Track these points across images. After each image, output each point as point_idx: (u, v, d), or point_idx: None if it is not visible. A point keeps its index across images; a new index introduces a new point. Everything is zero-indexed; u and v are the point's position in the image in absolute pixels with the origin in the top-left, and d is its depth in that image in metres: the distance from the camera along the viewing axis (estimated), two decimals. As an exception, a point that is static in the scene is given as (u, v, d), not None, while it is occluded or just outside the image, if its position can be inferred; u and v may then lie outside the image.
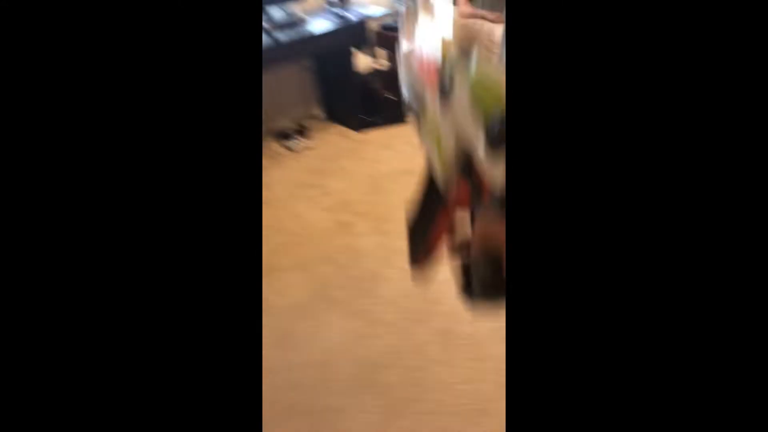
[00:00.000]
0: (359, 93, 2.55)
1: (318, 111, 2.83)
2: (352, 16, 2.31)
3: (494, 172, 0.44)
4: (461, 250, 0.61)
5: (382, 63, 2.64)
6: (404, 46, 0.56)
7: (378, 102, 2.77)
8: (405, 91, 0.57)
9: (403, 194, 2.10)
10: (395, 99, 2.82)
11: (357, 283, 1.61)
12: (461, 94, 0.46)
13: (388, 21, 2.66)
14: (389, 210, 1.96)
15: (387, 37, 2.69)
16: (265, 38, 2.12)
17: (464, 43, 0.46)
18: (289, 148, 2.50)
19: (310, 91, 2.76)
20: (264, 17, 2.23)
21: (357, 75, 2.49)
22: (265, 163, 2.41)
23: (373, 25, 2.72)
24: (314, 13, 2.40)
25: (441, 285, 1.54)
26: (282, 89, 2.61)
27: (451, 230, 0.62)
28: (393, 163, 2.33)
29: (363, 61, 2.53)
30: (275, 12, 2.30)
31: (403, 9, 0.60)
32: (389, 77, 2.74)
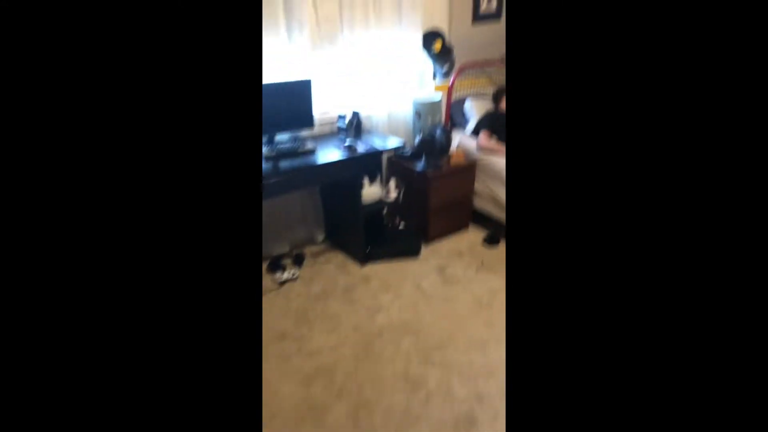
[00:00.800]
0: (364, 224, 2.31)
1: (320, 236, 2.59)
2: (362, 148, 2.15)
3: None
4: None
5: (392, 193, 2.43)
6: None
7: (385, 233, 2.52)
8: None
9: (396, 365, 1.67)
10: (404, 229, 2.57)
11: None
12: None
13: (403, 150, 2.52)
14: (375, 389, 1.56)
15: (399, 165, 2.54)
16: (267, 165, 1.95)
17: None
18: (277, 282, 2.21)
19: (313, 217, 2.55)
20: (269, 145, 2.12)
21: (364, 206, 2.27)
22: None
23: (387, 154, 2.58)
24: (324, 140, 2.28)
25: None
26: (282, 215, 2.41)
27: None
28: (392, 311, 1.98)
29: (371, 191, 2.33)
30: (281, 138, 2.19)
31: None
32: (399, 207, 2.52)
